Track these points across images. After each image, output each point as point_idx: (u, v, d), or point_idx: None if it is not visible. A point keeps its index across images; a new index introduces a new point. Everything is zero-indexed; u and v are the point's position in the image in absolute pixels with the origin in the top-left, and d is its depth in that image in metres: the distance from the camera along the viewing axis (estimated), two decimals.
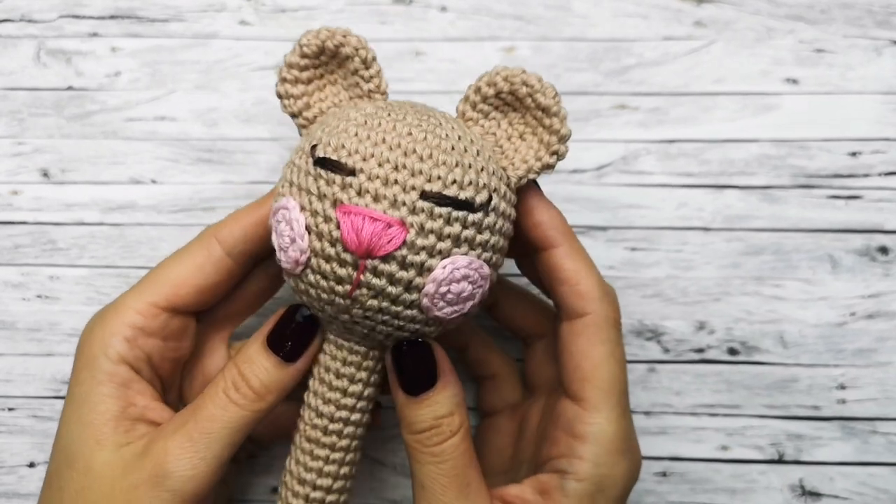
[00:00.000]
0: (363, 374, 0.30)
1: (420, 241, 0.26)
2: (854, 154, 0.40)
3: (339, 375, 0.30)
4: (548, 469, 0.30)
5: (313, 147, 0.27)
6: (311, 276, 0.27)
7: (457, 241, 0.27)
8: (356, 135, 0.27)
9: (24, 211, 0.40)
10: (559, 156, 0.28)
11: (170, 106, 0.41)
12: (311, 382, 0.31)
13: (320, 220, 0.26)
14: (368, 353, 0.30)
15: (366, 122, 0.27)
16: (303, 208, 0.27)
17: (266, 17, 0.41)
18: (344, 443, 0.30)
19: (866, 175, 0.40)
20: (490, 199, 0.27)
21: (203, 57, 0.41)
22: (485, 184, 0.27)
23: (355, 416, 0.30)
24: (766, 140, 0.40)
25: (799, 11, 0.41)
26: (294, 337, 0.30)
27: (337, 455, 0.30)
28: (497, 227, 0.28)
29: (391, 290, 0.27)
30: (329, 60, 0.30)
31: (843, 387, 0.39)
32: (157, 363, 0.31)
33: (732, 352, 0.39)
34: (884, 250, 0.39)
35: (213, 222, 0.32)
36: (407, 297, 0.27)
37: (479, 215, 0.27)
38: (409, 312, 0.28)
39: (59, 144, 0.41)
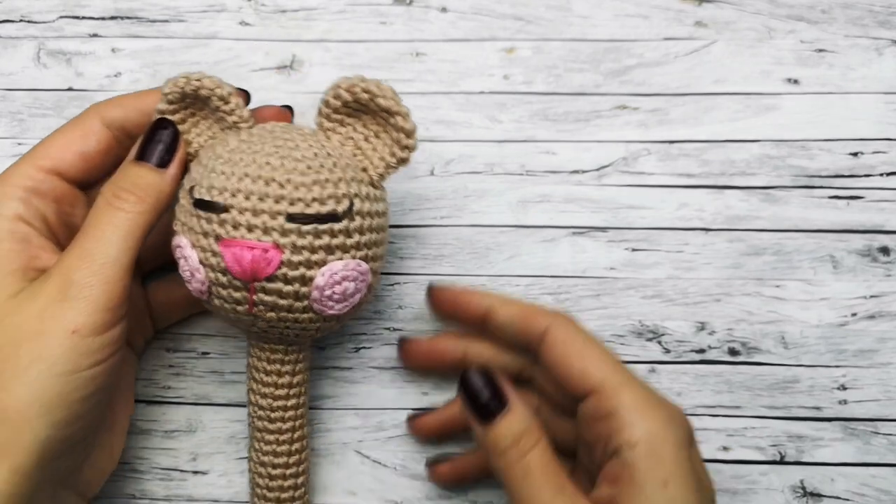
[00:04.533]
0: (288, 367, 0.34)
1: (295, 258, 0.30)
2: (855, 154, 0.40)
3: (267, 373, 0.34)
4: (605, 460, 0.31)
5: (191, 188, 0.31)
6: (215, 300, 0.32)
7: (329, 249, 0.30)
8: (223, 173, 0.30)
9: None
10: (410, 149, 0.32)
11: None
12: (248, 382, 0.35)
13: (209, 254, 0.30)
14: (288, 350, 0.34)
15: (229, 158, 0.31)
16: (193, 245, 0.31)
17: (266, 18, 0.41)
18: (288, 425, 0.35)
19: (867, 175, 0.40)
20: (351, 205, 0.31)
21: (203, 58, 0.41)
22: (344, 193, 0.31)
23: (291, 402, 0.35)
24: (766, 140, 0.40)
25: (800, 11, 0.40)
26: (160, 145, 0.32)
27: (285, 436, 0.35)
28: (365, 226, 0.31)
29: (282, 302, 0.31)
30: (194, 101, 0.32)
31: (844, 387, 0.39)
32: (53, 225, 0.32)
33: (733, 352, 0.39)
34: (885, 251, 0.39)
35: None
36: (298, 304, 0.31)
37: (345, 223, 0.30)
38: (305, 316, 0.31)
39: None
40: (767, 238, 0.39)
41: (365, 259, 0.32)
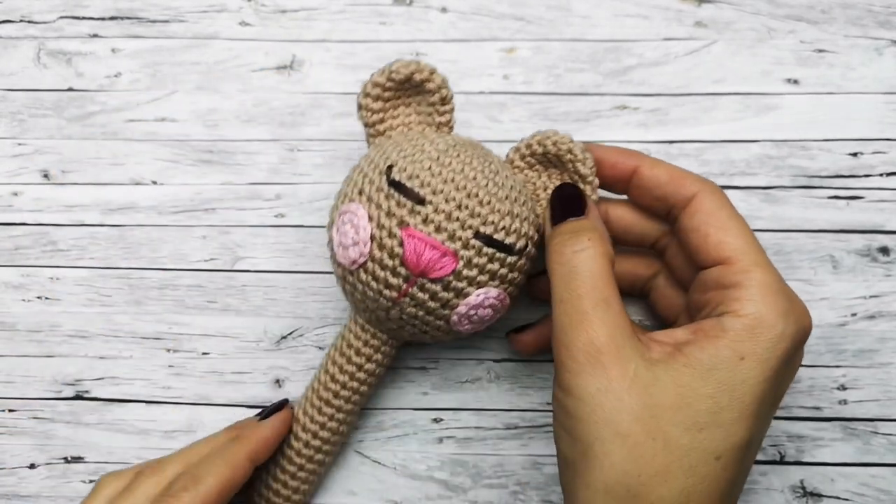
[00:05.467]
0: (379, 357, 0.35)
1: (465, 272, 0.31)
2: (855, 154, 0.40)
3: (358, 353, 0.35)
4: (706, 317, 0.30)
5: (389, 167, 0.31)
6: (363, 275, 0.31)
7: (493, 276, 0.31)
8: (429, 168, 0.31)
9: (24, 212, 0.40)
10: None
11: (170, 107, 0.41)
12: (331, 351, 0.36)
13: (385, 234, 0.30)
14: (388, 341, 0.35)
15: (438, 157, 0.31)
16: (370, 218, 0.31)
17: (266, 18, 0.41)
18: (348, 407, 0.36)
19: (867, 175, 0.40)
20: (527, 245, 0.32)
21: (203, 58, 0.41)
22: (525, 232, 0.32)
23: (363, 389, 0.36)
24: (766, 140, 0.40)
25: (799, 11, 0.41)
26: (271, 408, 0.36)
27: (340, 416, 0.36)
28: (525, 268, 0.33)
29: (431, 304, 0.31)
30: (410, 87, 0.34)
31: (844, 387, 0.39)
32: None
33: None
34: (885, 251, 0.39)
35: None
36: (441, 312, 0.32)
37: (515, 258, 0.32)
38: (437, 323, 0.32)
39: (59, 145, 0.41)
40: (767, 238, 0.39)
41: (511, 295, 0.33)
